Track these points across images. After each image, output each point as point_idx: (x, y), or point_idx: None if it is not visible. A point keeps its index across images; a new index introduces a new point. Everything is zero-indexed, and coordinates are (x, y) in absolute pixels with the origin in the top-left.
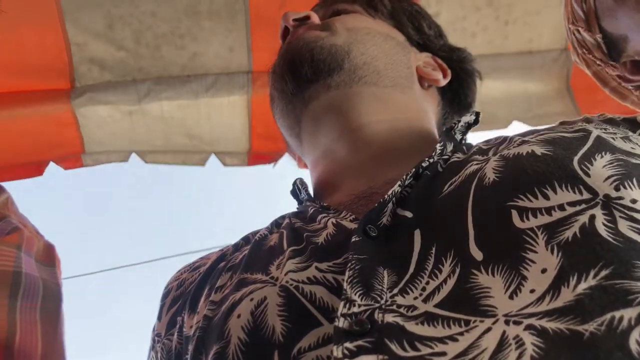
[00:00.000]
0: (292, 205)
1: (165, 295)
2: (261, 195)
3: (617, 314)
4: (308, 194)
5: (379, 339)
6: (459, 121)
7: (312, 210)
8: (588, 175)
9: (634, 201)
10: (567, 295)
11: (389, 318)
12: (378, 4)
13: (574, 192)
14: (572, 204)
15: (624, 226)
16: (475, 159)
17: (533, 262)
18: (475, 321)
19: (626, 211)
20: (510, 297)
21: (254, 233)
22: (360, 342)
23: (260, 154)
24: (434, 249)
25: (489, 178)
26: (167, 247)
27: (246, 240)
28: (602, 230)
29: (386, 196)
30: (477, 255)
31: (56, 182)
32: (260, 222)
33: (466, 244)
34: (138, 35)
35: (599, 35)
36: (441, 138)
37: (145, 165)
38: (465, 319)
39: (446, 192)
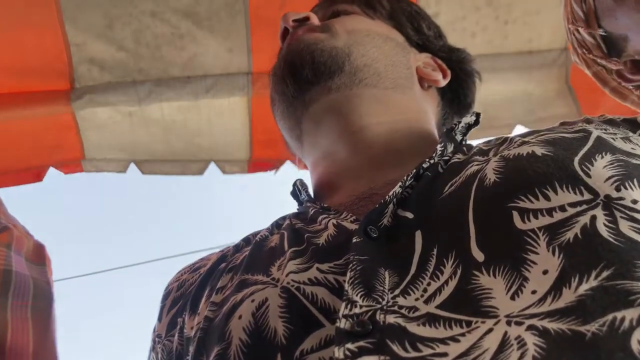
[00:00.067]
0: (289, 209)
1: (165, 296)
2: (260, 199)
3: (618, 315)
4: (308, 195)
5: (381, 340)
6: (460, 122)
7: (312, 211)
8: (589, 175)
9: (634, 201)
10: (568, 296)
11: (391, 319)
12: (377, 4)
13: (575, 193)
14: (573, 204)
15: (625, 226)
16: (476, 160)
17: (534, 263)
18: (476, 322)
19: (627, 211)
20: (512, 298)
21: (255, 234)
22: (361, 343)
23: (260, 161)
24: (435, 250)
25: (490, 179)
26: (166, 248)
27: (247, 241)
28: (603, 231)
29: (387, 197)
30: (479, 256)
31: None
32: (256, 222)
33: (467, 245)
34: (138, 35)
35: (600, 29)
36: (442, 139)
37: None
38: (466, 319)
39: (447, 192)
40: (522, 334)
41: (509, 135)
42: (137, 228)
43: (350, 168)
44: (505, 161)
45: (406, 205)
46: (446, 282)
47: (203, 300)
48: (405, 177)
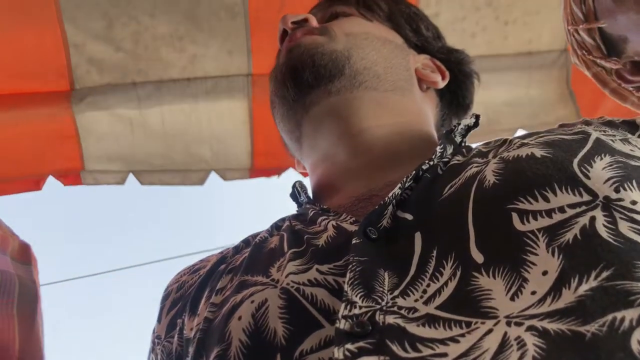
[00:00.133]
0: (288, 210)
1: (165, 298)
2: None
3: (618, 315)
4: (307, 196)
5: (380, 340)
6: (459, 124)
7: (312, 213)
8: (588, 177)
9: (634, 202)
10: (568, 297)
11: (390, 319)
12: (375, 6)
13: (574, 194)
14: (572, 206)
15: (624, 227)
16: (475, 162)
17: (534, 264)
18: (476, 323)
19: (626, 212)
20: (512, 299)
21: (254, 235)
22: (361, 344)
23: (262, 170)
24: (434, 251)
25: (489, 181)
26: (166, 249)
27: (246, 242)
28: (603, 232)
29: (386, 198)
30: (478, 257)
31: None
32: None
33: (467, 246)
34: (137, 37)
35: (602, 22)
36: (441, 141)
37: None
38: (466, 320)
39: (446, 194)
40: (522, 335)
41: (508, 137)
42: (137, 229)
43: (350, 170)
44: (505, 163)
45: (405, 207)
46: (446, 283)
47: (203, 301)
48: (404, 179)
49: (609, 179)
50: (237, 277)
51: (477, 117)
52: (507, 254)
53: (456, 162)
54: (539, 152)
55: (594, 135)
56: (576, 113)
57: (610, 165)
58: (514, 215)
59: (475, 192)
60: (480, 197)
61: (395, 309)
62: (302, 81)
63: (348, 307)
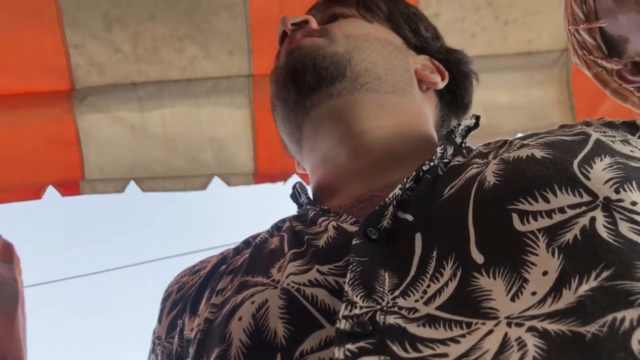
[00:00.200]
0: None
1: (165, 299)
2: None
3: (618, 315)
4: (308, 197)
5: (381, 340)
6: (459, 125)
7: (312, 214)
8: (588, 178)
9: (634, 203)
10: (568, 297)
11: (391, 320)
12: (374, 7)
13: (574, 195)
14: (572, 206)
15: (624, 228)
16: (476, 163)
17: (534, 264)
18: (477, 323)
19: (627, 213)
20: (512, 300)
21: (255, 236)
22: (361, 344)
23: (266, 175)
24: (435, 252)
25: (489, 181)
26: (165, 248)
27: (247, 243)
28: (603, 232)
29: (387, 199)
30: (478, 258)
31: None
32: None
33: (467, 247)
34: (137, 38)
35: (602, 22)
36: (441, 141)
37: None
38: (466, 321)
39: (447, 195)
40: (522, 335)
41: (508, 138)
42: (137, 228)
43: (351, 171)
44: (505, 164)
45: (406, 208)
46: (446, 283)
47: (203, 302)
48: (405, 180)
49: (609, 180)
50: (238, 278)
51: (478, 118)
52: (507, 255)
53: (456, 162)
54: (539, 153)
55: (594, 136)
56: (572, 115)
57: (611, 166)
58: (514, 216)
59: (475, 192)
60: (480, 198)
61: (395, 309)
62: (304, 84)
63: (348, 307)
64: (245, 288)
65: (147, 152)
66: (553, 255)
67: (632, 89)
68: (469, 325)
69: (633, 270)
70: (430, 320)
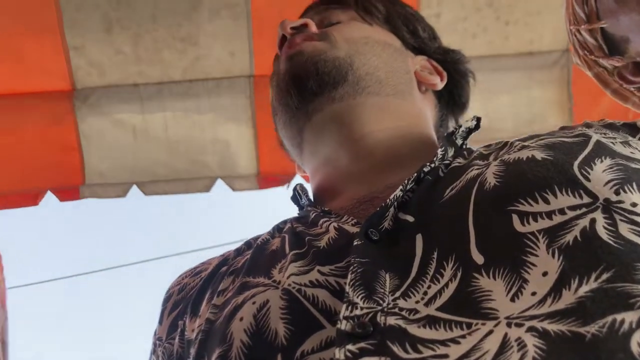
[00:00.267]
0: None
1: (166, 300)
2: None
3: (618, 317)
4: (309, 199)
5: (381, 341)
6: (460, 126)
7: (313, 215)
8: (588, 179)
9: (634, 205)
10: (568, 298)
11: (391, 321)
12: (373, 9)
13: (575, 197)
14: (572, 208)
15: (624, 229)
16: (476, 164)
17: (534, 265)
18: (477, 324)
19: (627, 214)
20: (512, 300)
21: (256, 238)
22: (362, 344)
23: (269, 175)
24: (435, 253)
25: (490, 183)
26: (165, 248)
27: (248, 245)
28: (603, 234)
29: (388, 200)
30: (478, 259)
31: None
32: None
33: (467, 248)
34: (137, 39)
35: (604, 22)
36: (442, 143)
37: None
38: (467, 321)
39: (447, 196)
40: (522, 336)
41: (509, 140)
42: (137, 228)
43: (352, 173)
44: (506, 165)
45: (407, 209)
46: (446, 284)
47: (204, 302)
48: (406, 181)
49: (609, 182)
50: (239, 279)
51: (479, 119)
52: (507, 255)
53: (457, 164)
54: (539, 155)
55: (595, 137)
56: (570, 116)
57: (611, 168)
58: (514, 217)
59: (476, 194)
60: (480, 199)
61: (396, 310)
62: (306, 89)
63: (349, 308)
64: (247, 289)
65: (148, 155)
66: (553, 256)
67: (632, 89)
68: (469, 325)
69: (633, 272)
70: (430, 321)
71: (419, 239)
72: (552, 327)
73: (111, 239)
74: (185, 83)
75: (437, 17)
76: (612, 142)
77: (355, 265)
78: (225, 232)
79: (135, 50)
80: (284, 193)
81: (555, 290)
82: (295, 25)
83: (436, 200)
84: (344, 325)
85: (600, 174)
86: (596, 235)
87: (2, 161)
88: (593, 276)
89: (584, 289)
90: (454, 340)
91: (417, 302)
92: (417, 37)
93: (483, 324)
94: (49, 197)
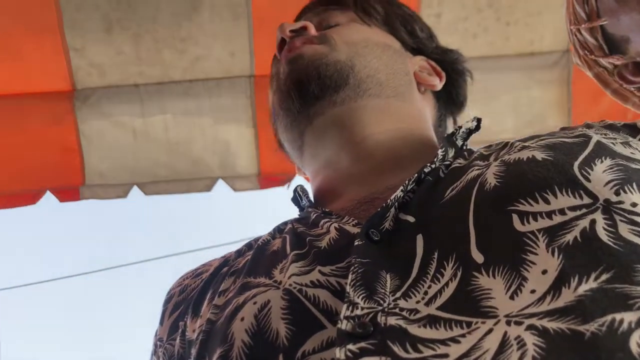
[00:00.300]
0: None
1: (167, 301)
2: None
3: (617, 316)
4: (309, 200)
5: (382, 341)
6: (460, 127)
7: (314, 216)
8: (588, 180)
9: (634, 205)
10: (568, 296)
11: (392, 321)
12: (372, 10)
13: (575, 197)
14: (572, 208)
15: (624, 229)
16: (477, 164)
17: (533, 263)
18: (477, 322)
19: (627, 215)
20: (511, 298)
21: (256, 239)
22: (363, 344)
23: (270, 175)
24: (436, 253)
25: (490, 183)
26: (164, 248)
27: (249, 246)
28: (603, 235)
29: (389, 201)
30: (478, 258)
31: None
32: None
33: (467, 247)
34: (138, 39)
35: (604, 20)
36: (442, 144)
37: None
38: (467, 320)
39: (448, 197)
40: (521, 334)
41: (509, 140)
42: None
43: (352, 175)
44: (506, 166)
45: (408, 209)
46: (446, 284)
47: (205, 303)
48: (407, 181)
49: (609, 182)
50: (240, 279)
51: (479, 120)
52: (507, 254)
53: (458, 165)
54: (540, 155)
55: (595, 138)
56: (568, 117)
57: (611, 168)
58: (514, 217)
59: (476, 194)
60: (481, 199)
61: (397, 310)
62: (308, 93)
63: (350, 308)
64: (248, 289)
65: (149, 155)
66: (553, 254)
67: (632, 89)
68: (469, 324)
69: (632, 274)
70: (431, 321)
71: (419, 239)
72: (551, 325)
73: (111, 239)
74: (185, 83)
75: (437, 17)
76: (612, 143)
77: (356, 265)
78: (226, 232)
79: (135, 50)
80: (284, 193)
81: (555, 288)
82: (294, 28)
83: (437, 201)
84: (344, 325)
85: (601, 174)
86: (596, 237)
87: (2, 161)
88: (593, 276)
89: (584, 288)
90: (454, 340)
91: (417, 302)
92: (416, 37)
93: (483, 323)
94: (49, 197)
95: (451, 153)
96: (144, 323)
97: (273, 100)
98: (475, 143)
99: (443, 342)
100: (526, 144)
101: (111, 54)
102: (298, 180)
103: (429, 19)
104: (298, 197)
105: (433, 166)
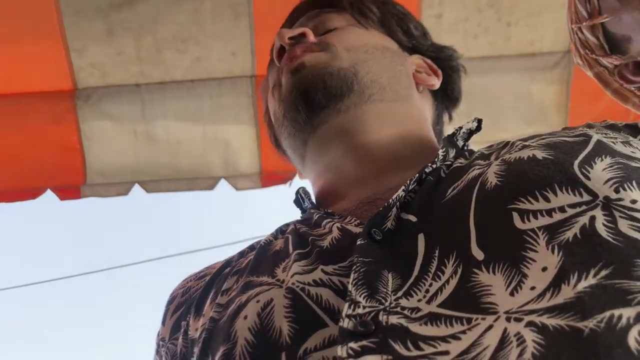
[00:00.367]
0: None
1: (170, 302)
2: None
3: (616, 312)
4: (312, 202)
5: (383, 340)
6: (460, 128)
7: (316, 217)
8: (588, 178)
9: (633, 201)
10: (567, 292)
11: (393, 320)
12: (368, 12)
13: (575, 195)
14: (572, 205)
15: (624, 225)
16: (478, 164)
17: (533, 260)
18: (477, 319)
19: (626, 211)
20: (511, 294)
21: (259, 241)
22: (364, 343)
23: (272, 174)
24: (437, 251)
25: (491, 182)
26: (164, 248)
27: (251, 247)
28: (603, 231)
29: (390, 200)
30: (478, 255)
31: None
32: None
33: (468, 245)
34: (139, 40)
35: (605, 17)
36: (443, 144)
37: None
38: (467, 317)
39: (449, 196)
40: (521, 331)
41: (510, 140)
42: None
43: (355, 178)
44: (507, 165)
45: (409, 209)
46: (447, 281)
47: (208, 302)
48: (408, 181)
49: (609, 180)
50: (243, 278)
51: (480, 121)
52: (507, 251)
53: (459, 164)
54: (540, 154)
55: (595, 137)
56: (565, 117)
57: (611, 166)
58: (515, 215)
59: (477, 193)
60: (482, 198)
61: (398, 309)
62: (314, 103)
63: (352, 306)
64: (251, 287)
65: (150, 155)
66: (553, 252)
67: (633, 89)
68: (469, 321)
69: (632, 269)
70: (432, 318)
71: (421, 238)
72: (550, 321)
73: (111, 240)
74: (187, 83)
75: (438, 18)
76: (612, 142)
77: (358, 264)
78: (228, 231)
79: (136, 50)
80: (286, 191)
81: (555, 285)
82: (293, 35)
83: (438, 200)
84: (346, 324)
85: (600, 172)
86: (596, 233)
87: (3, 161)
88: (592, 272)
89: (583, 285)
90: (455, 336)
91: (419, 300)
92: (411, 36)
93: (483, 319)
94: (50, 196)
95: (452, 153)
96: (144, 324)
97: (275, 108)
98: (476, 143)
99: (444, 339)
100: (527, 143)
101: (112, 55)
102: (300, 179)
103: (430, 19)
104: (300, 199)
105: (434, 166)
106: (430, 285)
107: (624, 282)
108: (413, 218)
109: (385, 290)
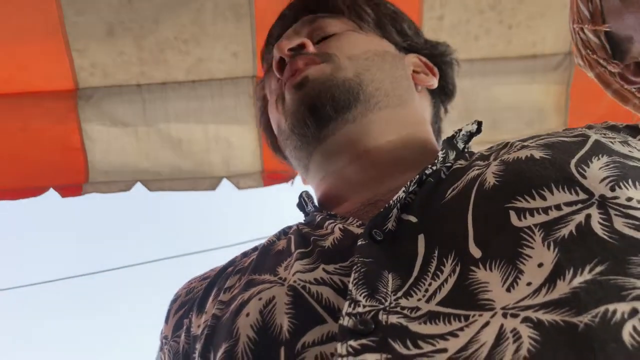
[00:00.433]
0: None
1: (173, 302)
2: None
3: (610, 307)
4: (314, 205)
5: (383, 339)
6: (460, 130)
7: (319, 218)
8: (584, 177)
9: (629, 199)
10: (562, 288)
11: (393, 319)
12: (364, 14)
13: (571, 193)
14: (568, 204)
15: (619, 223)
16: (477, 165)
17: (530, 257)
18: (474, 315)
19: (622, 209)
20: (508, 290)
21: (262, 243)
22: (364, 341)
23: (274, 173)
24: (436, 251)
25: (489, 182)
26: (164, 248)
27: (254, 248)
28: (598, 229)
29: (391, 202)
30: (476, 252)
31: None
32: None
33: (466, 243)
34: (140, 41)
35: (607, 26)
36: (443, 146)
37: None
38: (464, 314)
39: (449, 197)
40: (517, 327)
41: (509, 140)
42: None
43: (358, 182)
44: (505, 165)
45: (410, 210)
46: (446, 280)
47: (210, 299)
48: (408, 183)
49: (605, 178)
50: (245, 277)
51: (480, 123)
52: (503, 248)
53: (459, 166)
54: (538, 154)
55: (594, 137)
56: (565, 118)
57: (607, 165)
58: (512, 213)
59: (475, 193)
60: (480, 198)
61: (398, 309)
62: (323, 116)
63: (352, 305)
64: (253, 285)
65: (152, 156)
66: (549, 248)
67: (633, 89)
68: (466, 317)
69: (626, 266)
70: (431, 317)
71: (421, 239)
72: (546, 317)
73: (111, 239)
74: (188, 84)
75: (440, 20)
76: (611, 142)
77: (358, 264)
78: (232, 231)
79: (138, 51)
80: (289, 190)
81: (550, 281)
82: (292, 46)
83: (438, 201)
84: (346, 322)
85: (597, 171)
86: (591, 231)
87: (4, 161)
88: (587, 268)
89: (578, 280)
90: (452, 334)
91: (419, 299)
92: (406, 36)
93: (480, 315)
94: (52, 196)
95: (452, 155)
96: (145, 324)
97: (280, 121)
98: (477, 144)
99: (442, 336)
100: (525, 143)
101: (114, 55)
102: (303, 184)
103: (432, 21)
104: (303, 202)
105: (434, 168)
106: (430, 284)
107: (618, 279)
108: (413, 219)
109: (385, 290)
